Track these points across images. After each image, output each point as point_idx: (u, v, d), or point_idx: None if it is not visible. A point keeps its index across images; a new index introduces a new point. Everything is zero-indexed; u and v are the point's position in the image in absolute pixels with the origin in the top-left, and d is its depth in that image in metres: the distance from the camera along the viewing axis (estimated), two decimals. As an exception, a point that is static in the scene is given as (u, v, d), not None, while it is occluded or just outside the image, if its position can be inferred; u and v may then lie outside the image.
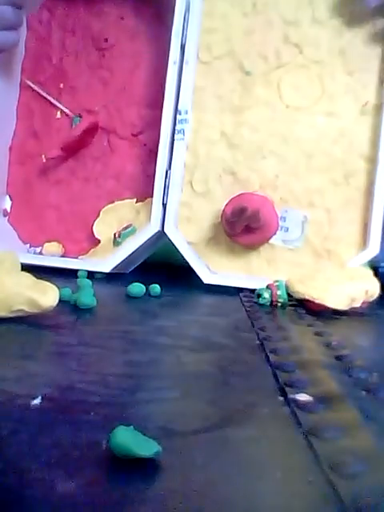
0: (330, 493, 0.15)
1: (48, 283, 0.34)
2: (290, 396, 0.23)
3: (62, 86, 0.64)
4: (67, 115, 0.63)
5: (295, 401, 0.22)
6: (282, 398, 0.23)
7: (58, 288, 0.35)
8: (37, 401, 0.20)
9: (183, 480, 0.15)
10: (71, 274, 0.55)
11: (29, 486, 0.14)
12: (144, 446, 0.16)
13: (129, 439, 0.16)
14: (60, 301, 0.37)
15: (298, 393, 0.23)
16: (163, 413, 0.20)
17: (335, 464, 0.16)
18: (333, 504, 0.14)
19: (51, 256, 0.60)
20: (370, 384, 0.26)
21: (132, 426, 0.17)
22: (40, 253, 0.62)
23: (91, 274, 0.56)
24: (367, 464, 0.16)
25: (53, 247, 0.62)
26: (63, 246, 0.62)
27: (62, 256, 0.61)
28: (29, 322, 0.33)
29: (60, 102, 0.63)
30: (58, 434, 0.17)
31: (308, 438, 0.18)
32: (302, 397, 0.23)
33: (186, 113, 0.54)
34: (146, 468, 0.15)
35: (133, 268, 0.64)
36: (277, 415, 0.21)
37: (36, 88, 0.64)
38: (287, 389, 0.24)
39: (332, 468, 0.16)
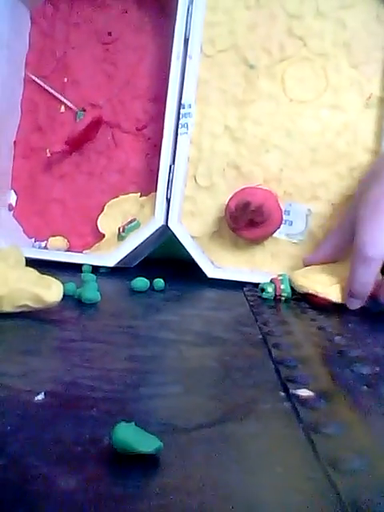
0: (328, 489, 0.15)
1: (52, 278, 0.35)
2: (292, 391, 0.23)
3: (66, 80, 0.64)
4: (71, 109, 0.63)
5: (296, 396, 0.22)
6: (283, 394, 0.23)
7: (62, 283, 0.35)
8: (40, 396, 0.20)
9: (184, 476, 0.15)
10: (76, 268, 0.55)
11: (30, 481, 0.14)
12: (145, 442, 0.16)
13: (130, 435, 0.16)
14: (64, 295, 0.37)
15: (299, 388, 0.23)
16: (166, 408, 0.21)
17: (334, 460, 0.16)
18: (331, 500, 0.14)
19: (56, 250, 0.60)
20: (372, 379, 0.26)
21: (133, 422, 0.17)
22: (45, 247, 0.63)
23: (96, 269, 0.56)
24: (367, 460, 0.17)
25: (58, 242, 0.62)
26: (68, 241, 0.62)
27: (67, 250, 0.61)
28: (33, 317, 0.33)
29: (64, 96, 0.63)
30: (60, 430, 0.18)
31: (308, 434, 0.19)
32: (304, 392, 0.23)
33: (190, 107, 0.54)
34: (147, 464, 0.16)
35: (137, 262, 0.64)
36: (278, 411, 0.21)
37: (40, 82, 0.64)
38: (289, 384, 0.24)
39: (331, 464, 0.16)
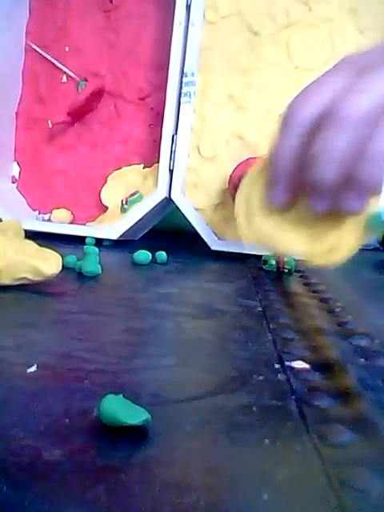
0: (315, 462, 0.15)
1: (51, 251, 0.34)
2: (287, 363, 0.23)
3: (67, 49, 0.63)
4: (73, 79, 0.62)
5: (291, 368, 0.22)
6: (278, 366, 0.23)
7: (62, 256, 0.35)
8: (32, 368, 0.20)
9: (170, 448, 0.15)
10: (79, 241, 0.55)
11: (15, 453, 0.14)
12: (132, 414, 0.16)
13: (117, 407, 0.16)
14: (65, 268, 0.37)
15: (295, 360, 0.23)
16: (157, 380, 0.21)
17: (324, 433, 0.16)
18: (317, 473, 0.14)
19: (60, 223, 0.60)
20: (370, 352, 0.25)
21: (122, 394, 0.17)
22: (48, 219, 0.63)
23: (99, 241, 0.56)
24: (356, 434, 0.16)
25: (61, 214, 0.62)
26: (72, 213, 0.62)
27: (71, 223, 0.61)
28: (32, 289, 0.33)
29: (65, 66, 0.62)
30: (50, 402, 0.17)
31: (300, 407, 0.18)
32: (299, 364, 0.23)
33: (193, 75, 0.53)
34: (134, 436, 0.16)
35: (141, 235, 0.64)
36: (271, 382, 0.21)
37: (41, 51, 0.63)
38: (284, 356, 0.24)
39: (321, 437, 0.16)
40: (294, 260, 0.47)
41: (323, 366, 0.23)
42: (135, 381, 0.20)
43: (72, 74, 0.62)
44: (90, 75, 0.62)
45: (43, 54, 0.63)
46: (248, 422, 0.17)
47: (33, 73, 0.64)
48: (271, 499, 0.13)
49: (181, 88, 0.54)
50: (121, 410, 0.16)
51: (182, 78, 0.54)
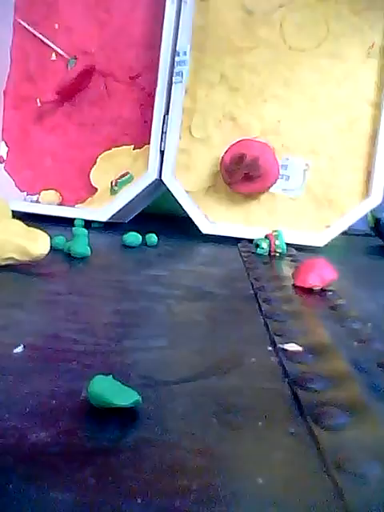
0: (310, 444, 0.14)
1: (39, 231, 0.34)
2: (279, 346, 0.22)
3: (56, 26, 0.61)
4: (63, 57, 0.61)
5: (284, 350, 0.22)
6: (271, 348, 0.22)
7: (50, 236, 0.34)
8: (18, 349, 0.20)
9: (161, 430, 0.15)
10: (68, 223, 0.54)
11: (-1, 435, 0.14)
12: (122, 396, 0.15)
13: (106, 389, 0.15)
14: (54, 249, 0.37)
15: (287, 342, 0.23)
16: (148, 361, 0.20)
17: (318, 415, 0.16)
18: (312, 456, 0.14)
19: (48, 204, 0.59)
20: (364, 335, 0.25)
21: (111, 375, 0.16)
22: (37, 201, 0.61)
23: (89, 224, 0.55)
24: (351, 416, 0.16)
25: (50, 195, 0.61)
26: (60, 195, 0.61)
27: (59, 204, 0.60)
28: (20, 270, 0.32)
29: (55, 44, 0.61)
30: (36, 383, 0.17)
31: (293, 389, 0.18)
32: (292, 347, 0.22)
33: (185, 54, 0.52)
34: (124, 418, 0.15)
35: (131, 218, 0.63)
36: (264, 365, 0.20)
37: (30, 28, 0.61)
38: (277, 338, 0.23)
39: (315, 420, 0.16)
40: (286, 244, 0.47)
41: (316, 349, 0.22)
42: (125, 362, 0.20)
43: (62, 52, 0.61)
44: (80, 53, 0.60)
45: (32, 31, 0.61)
46: (241, 405, 0.17)
47: (22, 50, 0.62)
48: (266, 482, 0.12)
49: (173, 67, 0.53)
50: (110, 391, 0.15)
51: (173, 57, 0.53)
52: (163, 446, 0.14)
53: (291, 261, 0.45)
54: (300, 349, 0.22)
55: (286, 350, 0.22)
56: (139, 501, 0.11)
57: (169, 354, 0.21)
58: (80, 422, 0.15)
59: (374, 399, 0.18)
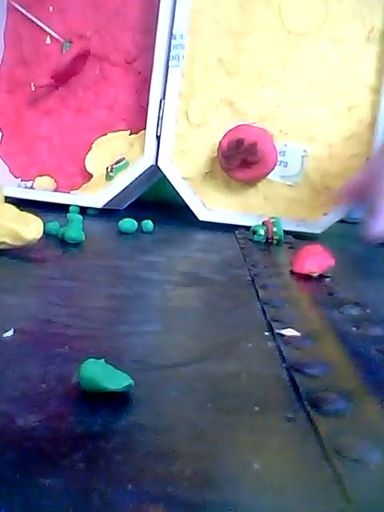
0: (308, 430, 0.14)
1: (32, 215, 0.33)
2: (277, 331, 0.22)
3: (51, 9, 0.60)
4: (57, 41, 0.60)
5: (281, 336, 0.21)
6: (268, 333, 0.22)
7: (44, 222, 0.34)
8: (9, 333, 0.19)
9: (154, 414, 0.14)
10: (63, 209, 0.53)
11: (-14, 419, 0.13)
12: (114, 380, 0.15)
13: (98, 372, 0.15)
14: (47, 235, 0.36)
15: (285, 328, 0.22)
16: (141, 346, 0.20)
17: (316, 401, 0.15)
18: (311, 442, 0.13)
19: (43, 191, 0.58)
20: (361, 321, 0.25)
21: (103, 359, 0.16)
22: (31, 187, 0.61)
23: (84, 211, 0.54)
24: (350, 402, 0.16)
25: (44, 182, 0.60)
26: (55, 181, 0.60)
27: (55, 191, 0.59)
28: (12, 254, 0.32)
29: (49, 27, 0.60)
30: (26, 367, 0.16)
31: (291, 374, 0.17)
32: (289, 332, 0.22)
33: (182, 37, 0.51)
34: (116, 402, 0.15)
35: (127, 204, 0.62)
36: (261, 350, 0.20)
37: (23, 11, 0.60)
38: (274, 324, 0.23)
39: (313, 405, 0.15)
40: (283, 231, 0.46)
41: (314, 334, 0.22)
42: (118, 346, 0.19)
43: (56, 36, 0.59)
44: (75, 37, 0.59)
45: (26, 13, 0.60)
46: (236, 389, 0.16)
47: (15, 33, 0.61)
48: (262, 468, 0.12)
49: (169, 51, 0.52)
50: (102, 374, 0.15)
51: (170, 40, 0.52)
52: (156, 430, 0.13)
53: (289, 248, 0.44)
54: (298, 334, 0.22)
55: (284, 335, 0.21)
56: (130, 487, 0.11)
57: (163, 339, 0.21)
58: (70, 407, 0.14)
59: (373, 385, 0.17)
